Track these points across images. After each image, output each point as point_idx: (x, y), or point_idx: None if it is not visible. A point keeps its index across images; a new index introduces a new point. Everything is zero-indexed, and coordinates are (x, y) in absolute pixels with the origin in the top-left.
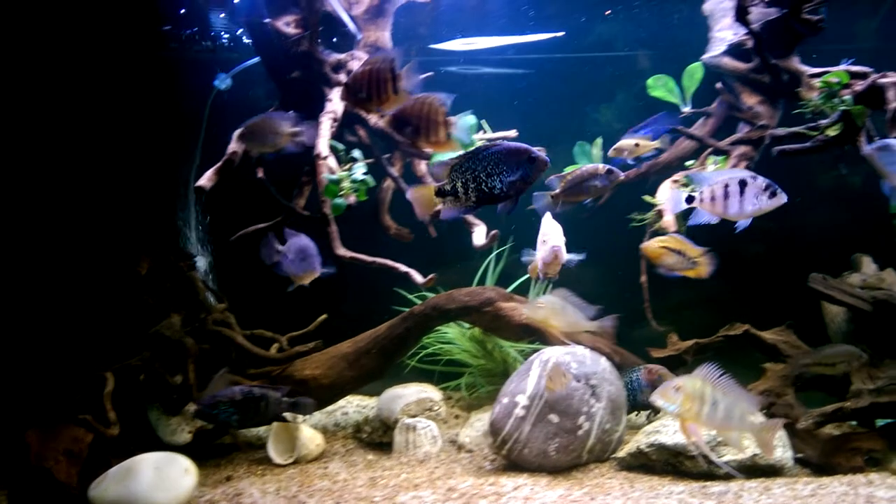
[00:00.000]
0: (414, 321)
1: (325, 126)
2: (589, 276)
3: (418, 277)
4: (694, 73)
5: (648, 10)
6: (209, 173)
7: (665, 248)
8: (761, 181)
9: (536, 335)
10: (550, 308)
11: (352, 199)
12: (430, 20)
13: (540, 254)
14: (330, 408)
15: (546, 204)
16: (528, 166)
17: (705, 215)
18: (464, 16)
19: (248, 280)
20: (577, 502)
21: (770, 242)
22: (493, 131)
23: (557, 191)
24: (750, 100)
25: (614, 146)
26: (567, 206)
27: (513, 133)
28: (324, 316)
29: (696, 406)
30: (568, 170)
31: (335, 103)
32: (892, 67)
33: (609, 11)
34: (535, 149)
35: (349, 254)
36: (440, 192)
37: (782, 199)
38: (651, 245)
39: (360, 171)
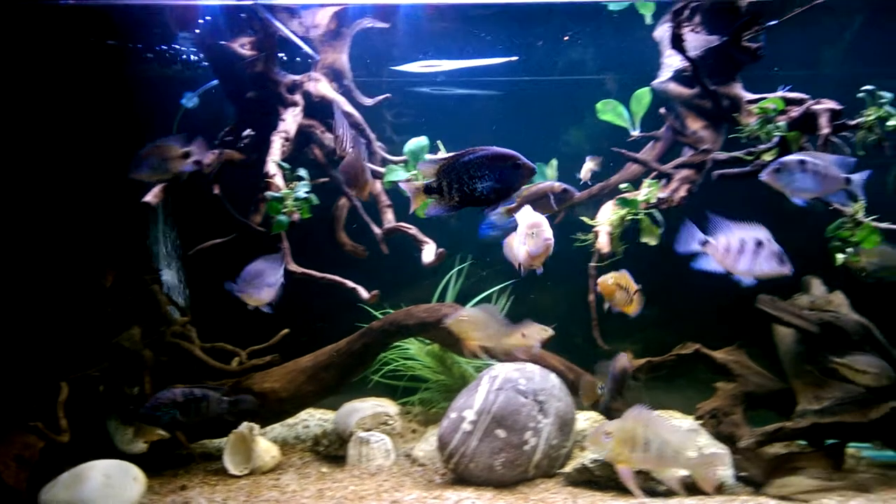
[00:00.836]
0: (372, 337)
1: (276, 145)
2: (558, 294)
3: (364, 293)
4: (642, 98)
5: (615, 35)
6: (155, 190)
7: (617, 285)
8: (776, 247)
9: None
10: (472, 320)
11: (295, 216)
12: (390, 43)
13: (529, 246)
14: (291, 421)
15: (501, 218)
16: (512, 172)
17: (712, 263)
18: (423, 39)
19: (218, 294)
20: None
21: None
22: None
23: (513, 205)
24: (694, 124)
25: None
26: None
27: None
28: (285, 330)
29: (627, 449)
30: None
31: (288, 123)
32: (854, 93)
33: (567, 37)
34: (521, 156)
35: (300, 269)
36: (427, 189)
37: (787, 269)
38: (606, 282)
39: (303, 189)
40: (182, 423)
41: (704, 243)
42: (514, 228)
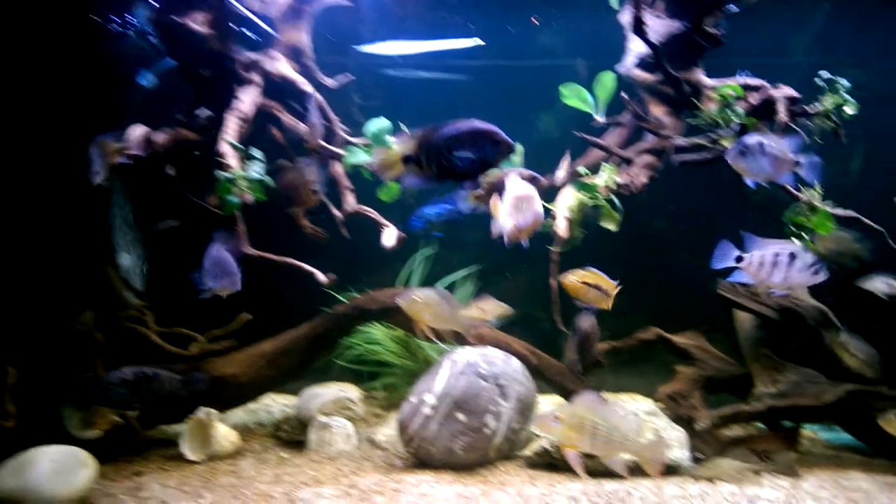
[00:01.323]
0: (335, 321)
1: (230, 124)
2: (525, 278)
3: (321, 277)
4: (606, 84)
5: (588, 19)
6: (100, 168)
7: (585, 283)
8: (810, 258)
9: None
10: (425, 302)
11: (247, 197)
12: (355, 22)
13: (517, 219)
14: (253, 406)
15: (467, 203)
16: (491, 148)
17: (746, 277)
18: (390, 20)
19: (177, 278)
20: (472, 499)
21: (701, 251)
22: None
23: (480, 192)
24: (657, 110)
25: None
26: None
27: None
28: (246, 315)
29: (576, 434)
30: (493, 172)
31: (244, 102)
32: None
33: (535, 19)
34: (502, 132)
35: (256, 253)
36: (406, 159)
37: (821, 278)
38: (570, 280)
39: (256, 169)
40: (134, 403)
41: (739, 259)
42: (448, 218)
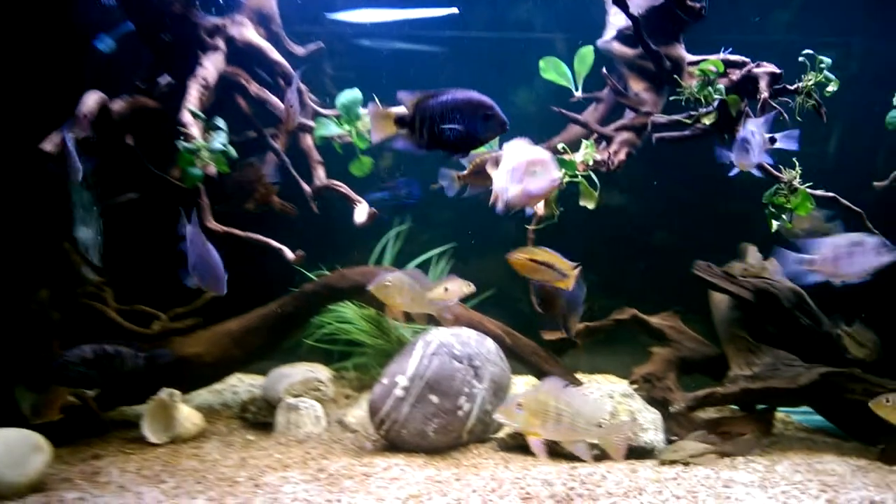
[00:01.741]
0: (304, 300)
1: (193, 92)
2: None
3: (289, 254)
4: (585, 58)
5: None
6: (52, 136)
7: (532, 260)
8: (873, 239)
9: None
10: (396, 285)
11: (210, 169)
12: None
13: (530, 184)
14: (219, 386)
15: (451, 183)
16: (482, 123)
17: (818, 277)
18: None
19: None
20: (444, 483)
21: (676, 230)
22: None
23: (465, 173)
24: (636, 86)
25: None
26: (477, 189)
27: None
28: (210, 293)
29: (539, 420)
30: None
31: (207, 69)
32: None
33: None
34: (497, 107)
35: (221, 228)
36: (399, 121)
37: (891, 256)
38: (517, 258)
39: (219, 140)
40: (95, 382)
41: (809, 262)
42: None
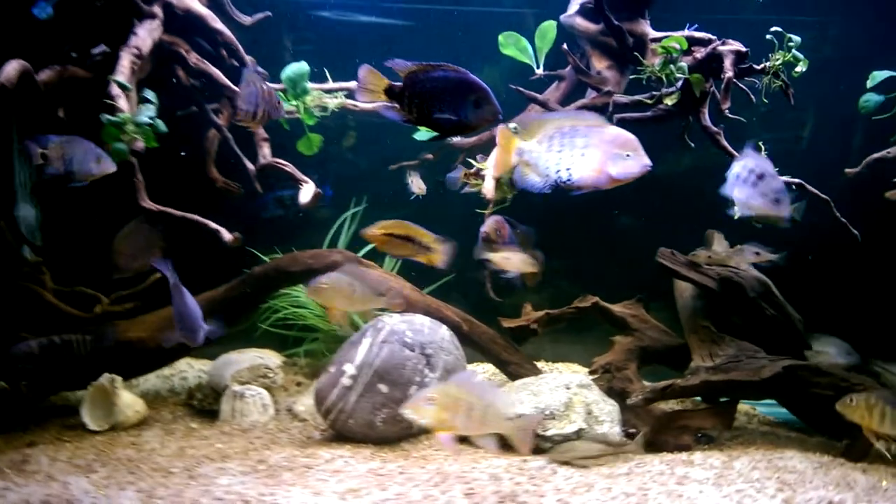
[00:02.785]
0: (253, 283)
1: (124, 62)
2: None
3: (227, 235)
4: (546, 33)
5: None
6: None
7: (389, 234)
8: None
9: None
10: (333, 287)
11: (138, 144)
12: None
13: (616, 168)
14: (168, 372)
15: (456, 183)
16: (472, 110)
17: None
18: None
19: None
20: (387, 476)
21: (642, 215)
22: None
23: (471, 171)
24: (599, 64)
25: None
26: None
27: (353, 85)
28: (157, 275)
29: (450, 415)
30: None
31: (140, 38)
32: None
33: None
34: (491, 94)
35: (156, 207)
36: (390, 91)
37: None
38: (372, 232)
39: (146, 113)
40: (43, 375)
41: None
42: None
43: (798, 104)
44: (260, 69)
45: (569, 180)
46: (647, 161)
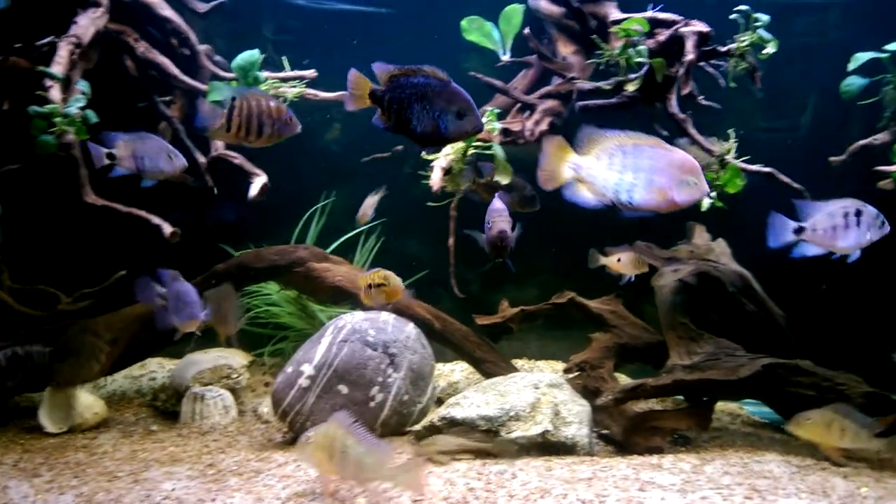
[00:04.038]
0: (218, 280)
1: (62, 53)
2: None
3: (167, 228)
4: (511, 17)
5: None
6: None
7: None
8: (872, 210)
9: (351, 298)
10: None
11: (68, 137)
12: None
13: (682, 194)
14: (136, 372)
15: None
16: (452, 120)
17: (813, 249)
18: None
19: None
20: (337, 480)
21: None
22: (338, 77)
23: (483, 181)
24: (565, 49)
25: None
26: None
27: (311, 73)
28: (122, 272)
29: (327, 456)
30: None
31: (81, 26)
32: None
33: None
34: (474, 105)
35: (101, 201)
36: (373, 95)
37: (887, 229)
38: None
39: (76, 104)
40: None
41: (799, 230)
42: None
43: (796, 90)
44: (218, 57)
45: (629, 202)
46: (707, 188)
